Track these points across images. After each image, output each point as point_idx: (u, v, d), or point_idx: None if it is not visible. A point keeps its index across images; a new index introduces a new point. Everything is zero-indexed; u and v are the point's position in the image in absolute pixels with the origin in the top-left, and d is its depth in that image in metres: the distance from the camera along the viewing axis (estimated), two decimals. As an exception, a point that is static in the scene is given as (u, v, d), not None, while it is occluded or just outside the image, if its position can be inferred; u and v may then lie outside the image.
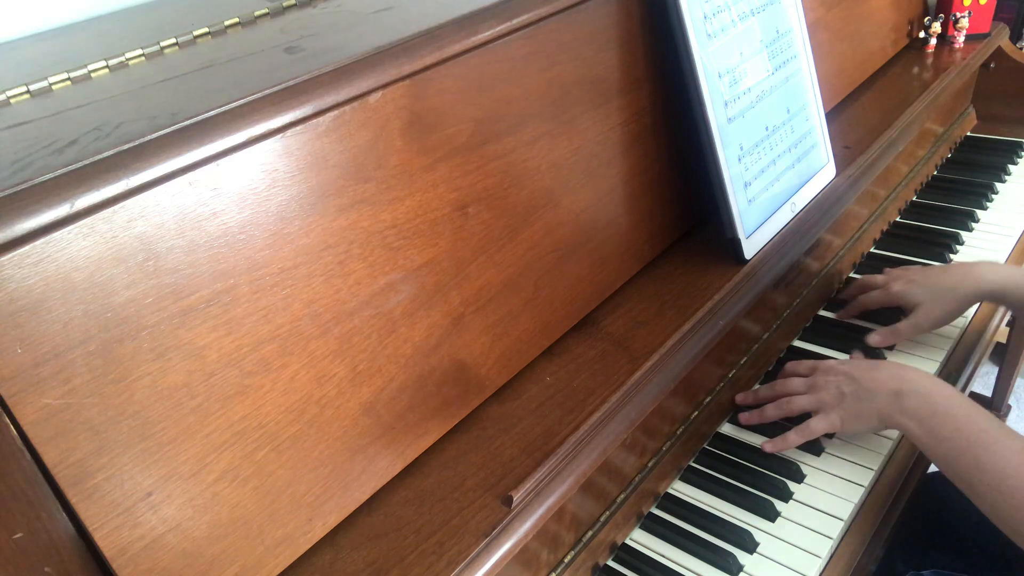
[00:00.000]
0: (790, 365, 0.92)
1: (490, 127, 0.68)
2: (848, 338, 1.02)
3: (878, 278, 1.04)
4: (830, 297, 1.11)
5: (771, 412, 0.88)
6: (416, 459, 0.67)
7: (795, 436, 0.85)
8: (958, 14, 1.37)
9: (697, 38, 0.82)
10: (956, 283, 0.95)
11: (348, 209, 0.59)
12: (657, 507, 0.84)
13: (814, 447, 0.88)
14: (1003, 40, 1.43)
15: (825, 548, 0.77)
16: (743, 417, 0.91)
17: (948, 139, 1.43)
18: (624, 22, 0.80)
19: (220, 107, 0.51)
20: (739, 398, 0.93)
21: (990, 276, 0.94)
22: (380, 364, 0.62)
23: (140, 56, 0.69)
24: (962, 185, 1.33)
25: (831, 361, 0.88)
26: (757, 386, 0.96)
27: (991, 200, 1.29)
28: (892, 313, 1.02)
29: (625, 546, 0.81)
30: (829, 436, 0.89)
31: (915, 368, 0.81)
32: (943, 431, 0.74)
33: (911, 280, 0.98)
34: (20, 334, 0.44)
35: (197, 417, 0.52)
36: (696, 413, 0.88)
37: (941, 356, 0.99)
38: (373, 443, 0.63)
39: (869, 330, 1.02)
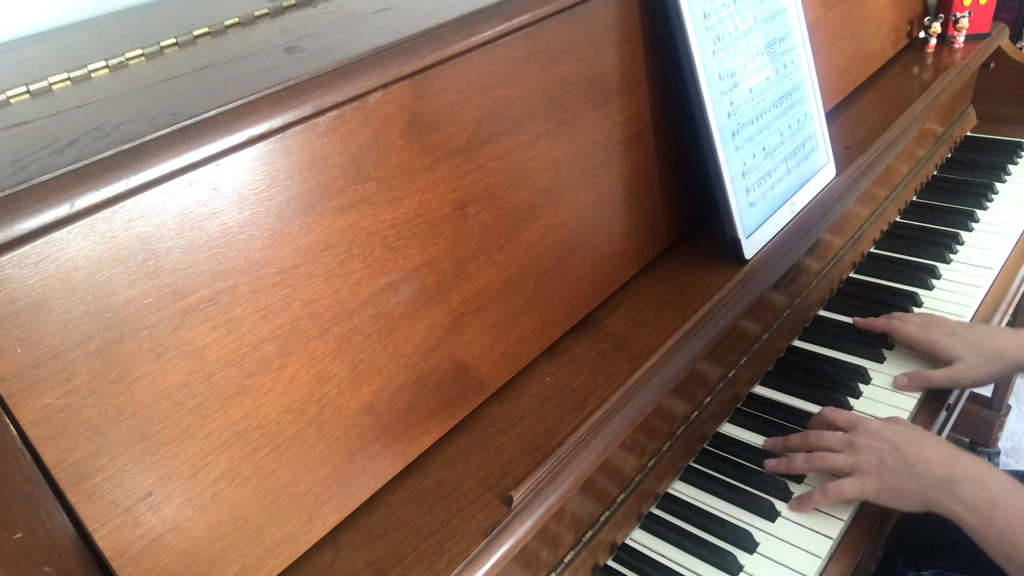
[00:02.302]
0: (826, 411, 0.86)
1: (490, 127, 0.68)
2: (848, 339, 1.02)
3: (913, 318, 0.99)
4: (830, 297, 1.11)
5: (800, 464, 0.83)
6: (416, 459, 0.67)
7: (821, 496, 0.79)
8: (958, 14, 1.37)
9: (697, 38, 0.82)
10: (1004, 348, 0.91)
11: (348, 209, 0.59)
12: (657, 507, 0.84)
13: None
14: (1003, 40, 1.43)
15: (825, 548, 0.77)
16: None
17: (948, 139, 1.43)
18: (624, 22, 0.80)
19: (220, 107, 0.51)
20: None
21: None
22: (380, 364, 0.62)
23: (140, 56, 0.69)
24: (962, 185, 1.33)
25: (874, 422, 0.82)
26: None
27: (991, 200, 1.29)
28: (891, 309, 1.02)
29: (625, 546, 0.81)
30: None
31: (966, 452, 0.75)
32: (1003, 523, 0.69)
33: (952, 332, 0.94)
34: (20, 334, 0.44)
35: (197, 417, 0.52)
36: (696, 413, 0.88)
37: (941, 356, 0.99)
38: (373, 443, 0.63)
39: (867, 331, 1.02)
